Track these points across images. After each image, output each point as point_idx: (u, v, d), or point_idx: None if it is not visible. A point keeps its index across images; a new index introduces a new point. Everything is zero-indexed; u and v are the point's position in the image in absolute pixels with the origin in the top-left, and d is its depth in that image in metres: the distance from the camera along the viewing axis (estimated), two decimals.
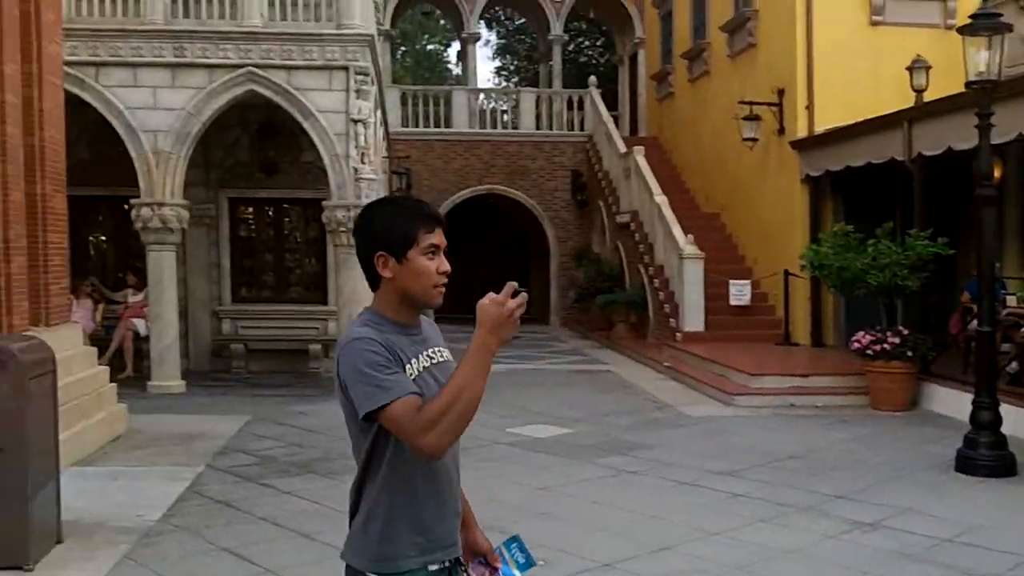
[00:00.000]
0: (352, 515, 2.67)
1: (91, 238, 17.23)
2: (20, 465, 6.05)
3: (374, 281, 2.66)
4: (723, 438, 10.79)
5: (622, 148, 22.20)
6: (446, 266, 2.64)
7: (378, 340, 2.52)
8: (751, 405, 12.71)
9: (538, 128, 25.76)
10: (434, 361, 2.66)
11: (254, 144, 16.50)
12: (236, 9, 13.96)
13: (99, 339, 14.74)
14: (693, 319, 17.11)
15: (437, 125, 25.62)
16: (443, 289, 2.64)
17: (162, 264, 14.00)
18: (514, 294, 2.42)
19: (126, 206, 14.20)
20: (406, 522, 2.58)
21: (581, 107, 25.72)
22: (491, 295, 2.43)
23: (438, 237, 2.63)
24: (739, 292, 17.40)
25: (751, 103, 17.89)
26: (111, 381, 10.94)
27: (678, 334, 17.16)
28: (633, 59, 28.06)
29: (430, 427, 2.38)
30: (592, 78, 26.13)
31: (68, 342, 9.80)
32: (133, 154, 13.76)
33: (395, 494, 2.58)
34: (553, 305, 25.72)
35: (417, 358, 2.61)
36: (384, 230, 2.61)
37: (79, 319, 14.35)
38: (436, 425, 2.37)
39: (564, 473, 9.01)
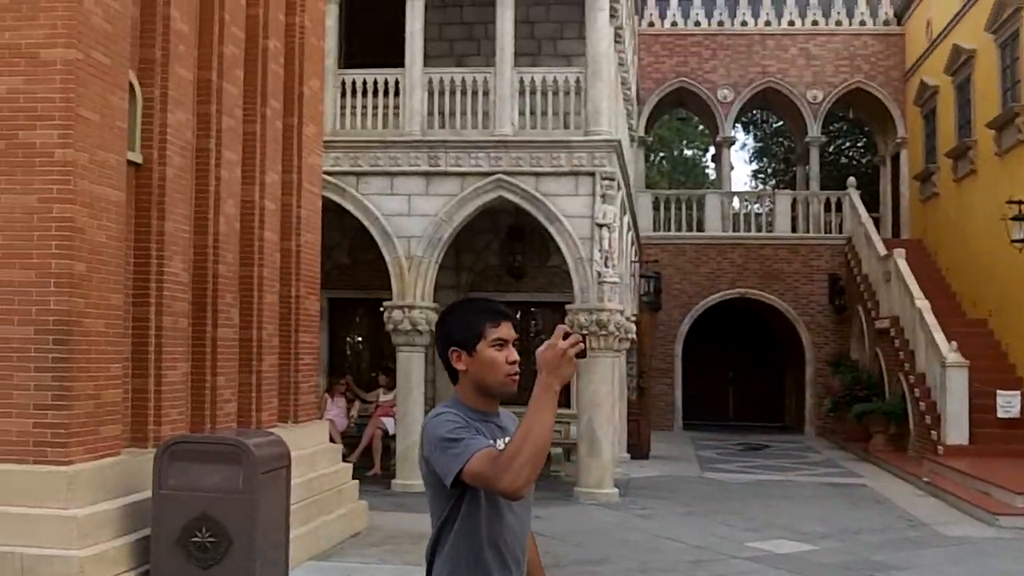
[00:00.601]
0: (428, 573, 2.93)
1: (348, 338, 18.11)
2: (249, 557, 6.23)
3: (453, 375, 2.92)
4: (982, 561, 9.84)
5: (882, 250, 21.19)
6: (514, 356, 2.87)
7: (456, 413, 2.80)
8: (1016, 527, 11.60)
9: (794, 231, 25.11)
10: None
11: (503, 248, 16.90)
12: (488, 119, 14.45)
13: (350, 436, 15.34)
14: (956, 431, 15.97)
15: (690, 229, 25.50)
16: (516, 378, 2.87)
17: (411, 365, 14.43)
18: (565, 336, 2.66)
19: (381, 308, 14.80)
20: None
21: (839, 209, 24.87)
22: (547, 342, 2.67)
23: (504, 330, 2.88)
24: (1008, 403, 16.05)
25: (1021, 202, 16.64)
26: (357, 479, 11.25)
27: (939, 447, 16.00)
28: (895, 159, 26.89)
29: (507, 467, 2.60)
30: (851, 179, 25.28)
31: (314, 439, 10.21)
32: (387, 258, 14.38)
33: (460, 556, 2.81)
34: (808, 414, 24.55)
35: (495, 441, 2.80)
36: (455, 327, 2.91)
37: (334, 416, 15.05)
38: (512, 464, 2.59)
39: None
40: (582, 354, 2.70)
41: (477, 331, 2.86)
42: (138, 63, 7.78)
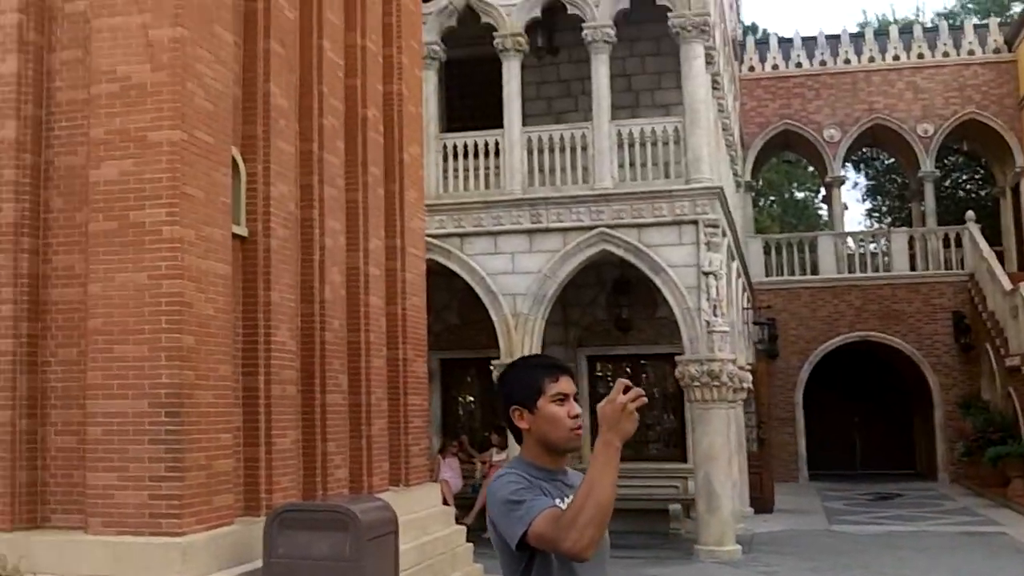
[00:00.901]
0: None
1: (460, 398, 18.15)
2: None
3: (517, 435, 2.88)
4: None
5: (1007, 285, 20.35)
6: (576, 410, 2.82)
7: (520, 474, 2.76)
8: None
9: (913, 269, 24.32)
10: None
11: (610, 301, 16.76)
12: (588, 174, 14.47)
13: (465, 497, 15.29)
14: None
15: (803, 272, 24.93)
16: (580, 432, 2.82)
17: None
18: (626, 390, 2.60)
19: (490, 367, 14.80)
20: None
21: (959, 244, 24.02)
22: (607, 397, 2.62)
23: (564, 384, 2.82)
24: None
25: None
26: (472, 541, 11.16)
27: None
28: (1016, 189, 25.91)
29: (570, 527, 2.55)
30: (969, 213, 24.44)
31: (426, 502, 10.20)
32: (494, 317, 14.41)
33: None
34: (940, 459, 23.53)
35: (562, 499, 2.74)
36: (514, 386, 2.87)
37: (448, 477, 15.03)
38: (575, 524, 2.54)
39: None
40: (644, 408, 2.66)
41: (536, 387, 2.82)
42: (241, 139, 8.02)
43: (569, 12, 14.83)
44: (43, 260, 7.26)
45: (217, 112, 7.35)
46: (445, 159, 14.99)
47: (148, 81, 6.93)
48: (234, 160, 7.78)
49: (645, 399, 2.65)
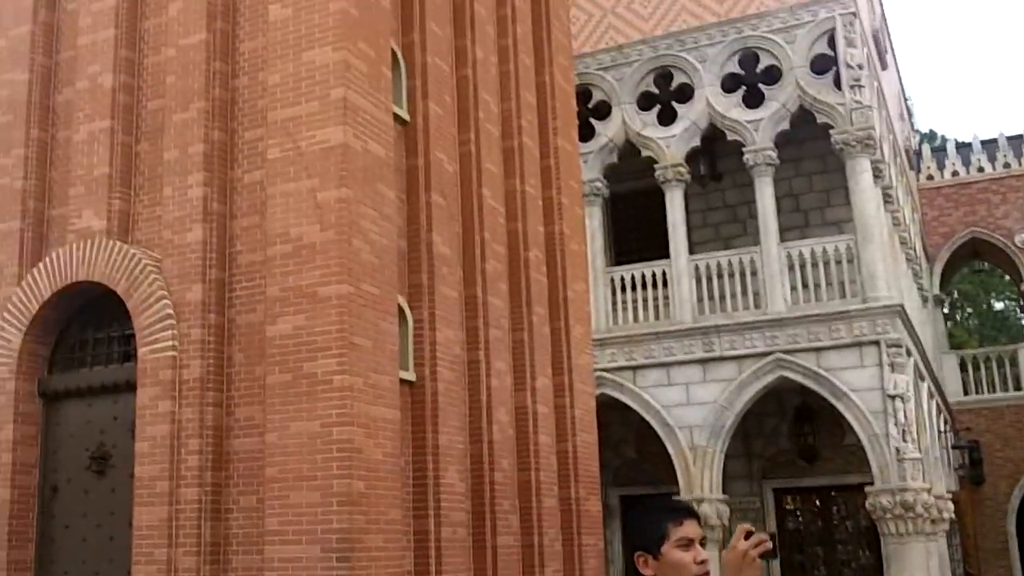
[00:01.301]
0: None
1: None
2: None
3: None
4: None
5: None
6: (703, 555, 2.72)
7: None
8: None
9: None
10: None
11: (793, 430, 16.17)
12: (760, 299, 14.26)
13: None
14: None
15: (1005, 389, 23.42)
16: None
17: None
18: (747, 536, 2.56)
19: None
20: None
21: None
22: (731, 543, 2.59)
23: (689, 529, 2.73)
24: None
25: None
26: None
27: None
28: None
29: None
30: None
31: None
32: (670, 450, 14.16)
33: None
34: None
35: None
36: (637, 531, 2.81)
37: None
38: None
39: None
40: (771, 554, 2.58)
41: (660, 532, 2.74)
42: (407, 288, 8.34)
43: (729, 139, 14.90)
44: (226, 412, 7.66)
45: (382, 265, 7.69)
46: (613, 292, 15.09)
47: (317, 241, 7.34)
48: (400, 308, 8.08)
49: (769, 545, 2.57)
